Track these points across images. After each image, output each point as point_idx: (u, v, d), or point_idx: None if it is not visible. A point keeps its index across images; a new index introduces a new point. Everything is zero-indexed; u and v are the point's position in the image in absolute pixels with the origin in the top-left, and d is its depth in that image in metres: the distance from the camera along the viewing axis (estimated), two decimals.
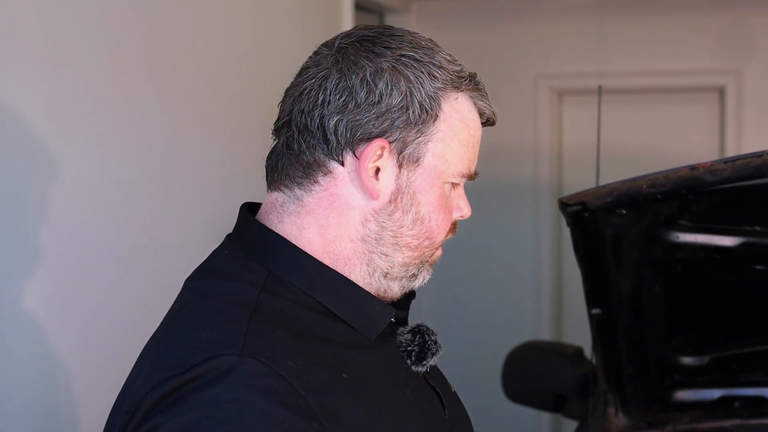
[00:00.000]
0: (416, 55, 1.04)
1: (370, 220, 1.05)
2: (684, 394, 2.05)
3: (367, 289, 1.08)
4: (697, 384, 2.05)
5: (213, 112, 2.28)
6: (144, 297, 1.97)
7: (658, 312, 1.92)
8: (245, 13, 2.45)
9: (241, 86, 2.39)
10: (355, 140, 1.03)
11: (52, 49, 1.72)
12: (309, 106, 1.05)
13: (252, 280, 1.03)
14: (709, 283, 1.90)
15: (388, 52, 1.04)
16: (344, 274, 1.06)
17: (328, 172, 1.05)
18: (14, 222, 1.65)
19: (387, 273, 1.08)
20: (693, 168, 1.59)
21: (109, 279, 1.89)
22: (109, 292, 1.89)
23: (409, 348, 1.09)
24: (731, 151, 3.69)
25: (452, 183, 1.09)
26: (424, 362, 1.09)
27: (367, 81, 1.02)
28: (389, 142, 1.03)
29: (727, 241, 1.79)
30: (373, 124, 1.02)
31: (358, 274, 1.07)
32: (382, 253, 1.06)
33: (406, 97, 1.02)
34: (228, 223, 2.28)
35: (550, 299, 3.98)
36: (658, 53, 3.78)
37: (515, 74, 3.91)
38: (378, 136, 1.03)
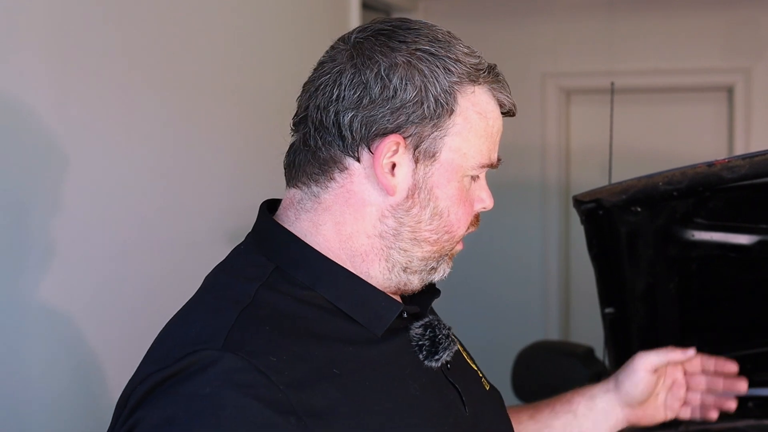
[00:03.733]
0: (432, 49, 1.03)
1: (387, 217, 1.05)
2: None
3: (387, 284, 1.07)
4: None
5: (220, 111, 2.27)
6: (151, 295, 1.95)
7: (672, 311, 1.90)
8: (252, 13, 2.44)
9: (248, 85, 2.38)
10: (370, 136, 1.02)
11: (59, 49, 1.71)
12: (324, 102, 1.04)
13: (255, 275, 1.04)
14: (724, 282, 1.88)
15: (404, 47, 1.03)
16: (362, 270, 1.06)
17: (344, 169, 1.05)
18: (22, 220, 1.63)
19: (406, 267, 1.07)
20: (710, 165, 1.57)
21: (115, 277, 1.88)
22: (116, 290, 1.88)
23: (420, 342, 1.08)
24: (740, 151, 3.67)
25: (471, 176, 1.08)
26: (436, 357, 1.08)
27: (382, 76, 1.02)
28: (404, 138, 1.02)
29: (743, 239, 1.77)
30: (388, 120, 1.02)
31: (377, 269, 1.07)
32: (401, 249, 1.06)
33: (421, 91, 1.02)
34: (234, 221, 2.28)
35: (558, 298, 3.96)
36: (666, 52, 3.77)
37: (523, 73, 3.90)
38: (393, 131, 1.02)
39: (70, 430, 1.71)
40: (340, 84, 1.04)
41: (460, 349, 1.22)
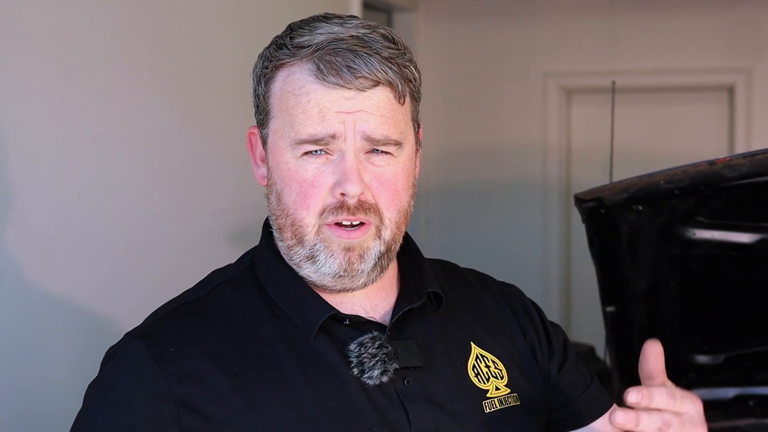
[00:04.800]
0: (273, 40, 1.09)
1: (267, 207, 1.11)
2: (699, 393, 2.02)
3: (306, 280, 1.07)
4: (712, 383, 2.03)
5: (221, 111, 2.27)
6: (152, 295, 1.95)
7: (674, 310, 1.90)
8: (253, 12, 2.44)
9: (249, 85, 2.38)
10: None
11: (61, 49, 1.71)
12: None
13: (228, 272, 1.12)
14: (725, 281, 1.88)
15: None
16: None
17: None
18: (22, 220, 1.63)
19: (290, 258, 1.07)
20: (711, 163, 1.58)
21: (115, 277, 1.88)
22: (116, 289, 1.88)
23: (350, 359, 1.04)
24: (741, 150, 3.67)
25: (308, 154, 1.02)
26: (367, 375, 1.03)
27: None
28: (260, 129, 1.09)
29: (744, 237, 1.77)
30: (254, 116, 1.11)
31: (288, 263, 1.09)
32: (278, 238, 1.08)
33: (254, 84, 1.11)
34: (236, 221, 2.28)
35: (559, 297, 3.96)
36: (667, 52, 3.77)
37: (524, 73, 3.90)
38: (254, 125, 1.11)
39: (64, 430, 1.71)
40: None
41: (479, 365, 1.14)
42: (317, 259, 1.04)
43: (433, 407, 1.07)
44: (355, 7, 3.08)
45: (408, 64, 1.05)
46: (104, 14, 1.83)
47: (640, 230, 1.75)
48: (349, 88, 1.01)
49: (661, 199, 1.68)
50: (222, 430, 0.99)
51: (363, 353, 1.04)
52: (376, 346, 1.04)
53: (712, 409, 2.04)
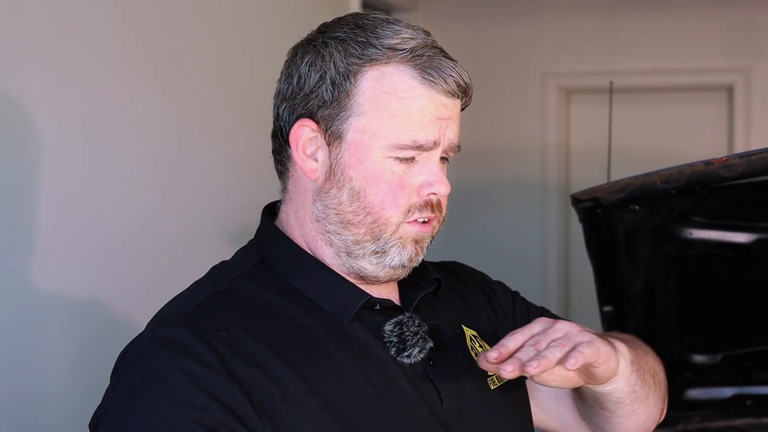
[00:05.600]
0: (342, 35, 1.07)
1: (316, 200, 1.09)
2: (696, 393, 2.03)
3: (344, 270, 1.10)
4: (709, 382, 2.03)
5: (219, 110, 2.27)
6: (150, 293, 1.95)
7: (671, 309, 1.91)
8: (252, 13, 2.44)
9: (247, 85, 2.38)
10: (291, 124, 1.09)
11: (60, 48, 1.72)
12: (274, 100, 1.12)
13: (239, 266, 1.11)
14: (722, 280, 1.89)
15: (321, 37, 1.08)
16: (319, 256, 1.10)
17: (288, 158, 1.11)
18: (22, 218, 1.64)
19: (349, 252, 1.08)
20: (708, 163, 1.59)
21: (114, 276, 1.88)
22: (115, 288, 1.88)
23: (389, 339, 1.08)
24: (739, 150, 3.67)
25: (399, 158, 1.05)
26: (406, 353, 1.07)
27: (299, 66, 1.08)
28: (316, 122, 1.06)
29: (741, 237, 1.78)
30: (302, 107, 1.07)
31: (327, 255, 1.10)
32: (334, 232, 1.08)
33: (322, 76, 1.06)
34: (234, 220, 2.28)
35: (558, 297, 3.97)
36: (666, 52, 3.77)
37: (523, 72, 3.90)
38: (305, 117, 1.07)
39: (63, 429, 1.72)
40: (280, 80, 1.11)
41: (474, 345, 1.19)
42: (387, 253, 1.08)
43: (456, 386, 1.12)
44: (354, 7, 3.09)
45: None
46: (102, 14, 1.84)
47: (636, 230, 1.76)
48: (452, 96, 1.06)
49: (657, 199, 1.68)
50: (289, 408, 0.99)
51: (405, 331, 1.08)
52: (416, 324, 1.09)
53: (709, 409, 2.05)
